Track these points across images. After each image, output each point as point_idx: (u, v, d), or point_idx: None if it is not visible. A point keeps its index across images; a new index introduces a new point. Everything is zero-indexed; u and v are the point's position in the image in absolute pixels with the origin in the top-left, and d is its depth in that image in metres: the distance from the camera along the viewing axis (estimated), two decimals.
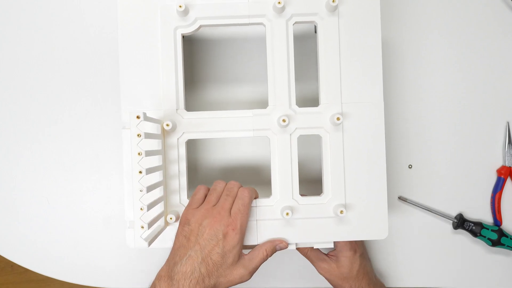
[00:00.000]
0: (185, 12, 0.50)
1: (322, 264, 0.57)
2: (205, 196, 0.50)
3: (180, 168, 0.52)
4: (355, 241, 0.56)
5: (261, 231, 0.52)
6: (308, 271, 0.63)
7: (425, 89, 0.63)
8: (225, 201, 0.48)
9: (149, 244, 0.44)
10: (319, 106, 0.52)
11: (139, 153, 0.43)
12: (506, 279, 0.63)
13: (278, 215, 0.52)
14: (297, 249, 0.56)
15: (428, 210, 0.62)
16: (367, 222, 0.52)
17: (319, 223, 0.52)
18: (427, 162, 0.63)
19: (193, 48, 0.62)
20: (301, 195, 0.52)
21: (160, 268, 0.47)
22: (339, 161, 0.52)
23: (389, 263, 0.64)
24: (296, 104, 0.52)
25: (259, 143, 0.63)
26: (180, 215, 0.51)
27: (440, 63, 0.63)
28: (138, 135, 0.44)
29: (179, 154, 0.52)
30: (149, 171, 0.45)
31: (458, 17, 0.63)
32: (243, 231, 0.48)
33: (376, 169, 0.52)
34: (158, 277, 0.46)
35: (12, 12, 0.63)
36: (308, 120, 0.52)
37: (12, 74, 0.63)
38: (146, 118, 0.45)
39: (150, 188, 0.45)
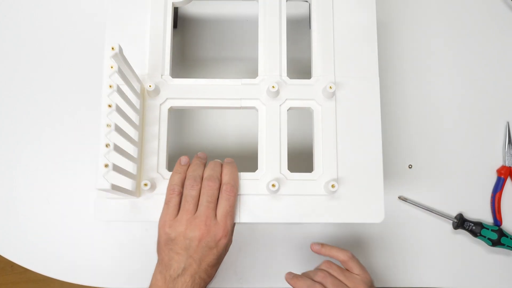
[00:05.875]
0: None
1: None
2: (180, 199, 0.46)
3: (160, 135, 0.47)
4: None
5: (244, 207, 0.47)
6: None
7: (425, 89, 0.63)
8: (207, 208, 0.44)
9: (112, 187, 0.37)
10: (311, 78, 0.50)
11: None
12: (506, 279, 0.63)
13: (264, 190, 0.47)
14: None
15: (428, 210, 0.62)
16: (360, 203, 0.48)
17: (309, 201, 0.48)
18: (427, 162, 0.63)
19: (184, 27, 0.62)
20: None
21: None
22: (331, 136, 0.48)
23: (389, 263, 0.64)
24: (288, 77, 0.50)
25: (246, 115, 0.61)
26: (157, 184, 0.47)
27: (440, 63, 0.63)
28: (111, 66, 0.38)
29: (160, 117, 0.48)
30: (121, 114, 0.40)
31: (457, 17, 0.63)
32: (232, 229, 0.46)
33: (372, 145, 0.48)
34: None
35: (12, 11, 0.63)
36: (299, 91, 0.49)
37: (12, 73, 0.63)
38: (122, 55, 0.39)
39: (118, 130, 0.39)
